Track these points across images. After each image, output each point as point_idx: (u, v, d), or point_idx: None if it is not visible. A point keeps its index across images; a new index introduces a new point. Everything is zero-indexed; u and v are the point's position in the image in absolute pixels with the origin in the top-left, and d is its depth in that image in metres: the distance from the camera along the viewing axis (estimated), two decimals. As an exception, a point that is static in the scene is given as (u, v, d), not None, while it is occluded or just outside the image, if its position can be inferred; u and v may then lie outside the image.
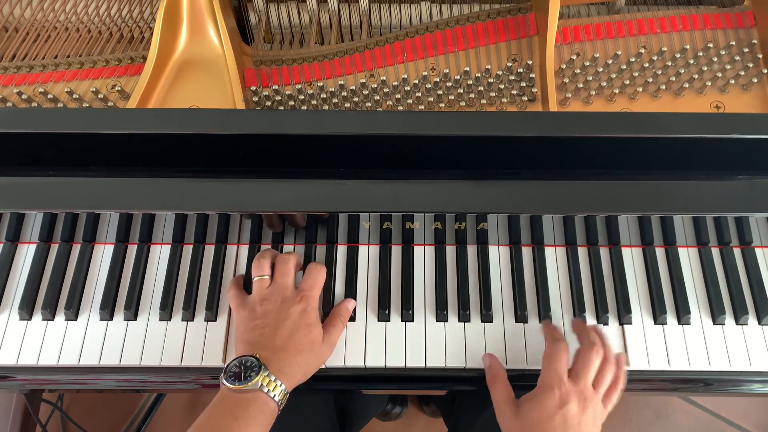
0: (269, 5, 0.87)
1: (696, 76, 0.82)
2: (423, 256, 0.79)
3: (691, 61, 0.83)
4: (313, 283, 0.71)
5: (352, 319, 0.75)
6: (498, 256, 0.79)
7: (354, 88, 0.82)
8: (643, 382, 0.75)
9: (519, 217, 0.79)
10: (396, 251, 0.80)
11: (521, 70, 0.82)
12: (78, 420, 1.42)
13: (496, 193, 0.69)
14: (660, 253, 0.79)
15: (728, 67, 0.83)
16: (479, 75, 0.82)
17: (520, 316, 0.75)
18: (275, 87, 0.82)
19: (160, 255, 0.79)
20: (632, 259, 0.79)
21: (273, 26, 0.88)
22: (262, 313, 0.68)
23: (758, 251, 0.79)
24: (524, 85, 0.81)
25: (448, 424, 1.10)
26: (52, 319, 0.76)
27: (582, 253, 0.79)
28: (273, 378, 0.63)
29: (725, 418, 1.50)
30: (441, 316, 0.75)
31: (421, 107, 0.81)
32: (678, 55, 0.84)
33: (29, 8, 0.89)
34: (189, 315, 0.75)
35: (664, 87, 0.81)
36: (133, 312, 0.75)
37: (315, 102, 0.81)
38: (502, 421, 0.66)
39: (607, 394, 0.67)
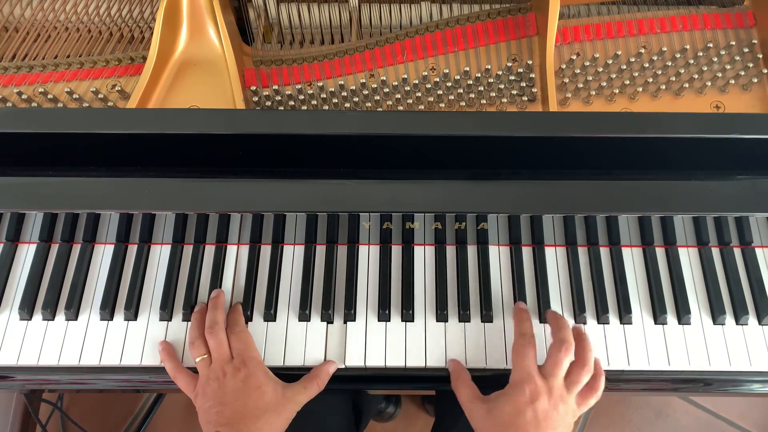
0: (269, 5, 0.87)
1: (696, 76, 0.82)
2: (423, 256, 0.79)
3: (691, 61, 0.83)
4: (244, 345, 0.71)
5: (353, 319, 0.75)
6: (498, 256, 0.79)
7: (354, 88, 0.82)
8: (643, 382, 0.75)
9: (519, 217, 0.79)
10: (396, 251, 0.79)
11: (521, 70, 0.82)
12: (78, 420, 1.42)
13: (496, 193, 0.69)
14: (660, 253, 0.79)
15: (728, 67, 0.83)
16: (479, 75, 0.82)
17: (520, 316, 0.75)
18: (275, 87, 0.82)
19: (160, 255, 0.79)
20: (632, 259, 0.79)
21: (273, 25, 0.88)
22: (212, 394, 0.68)
23: (758, 251, 0.79)
24: (524, 85, 0.81)
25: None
26: (53, 319, 0.76)
27: (582, 252, 0.79)
28: None
29: (725, 418, 1.50)
30: (441, 316, 0.75)
31: (421, 107, 0.81)
32: (678, 55, 0.84)
33: (29, 8, 0.89)
34: (189, 315, 0.75)
35: (664, 87, 0.81)
36: (133, 312, 0.75)
37: (315, 102, 0.81)
38: (473, 419, 0.67)
39: (582, 396, 0.68)
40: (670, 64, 0.83)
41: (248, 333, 0.73)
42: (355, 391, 0.98)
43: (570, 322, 0.75)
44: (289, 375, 0.72)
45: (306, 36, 0.89)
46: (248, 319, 0.76)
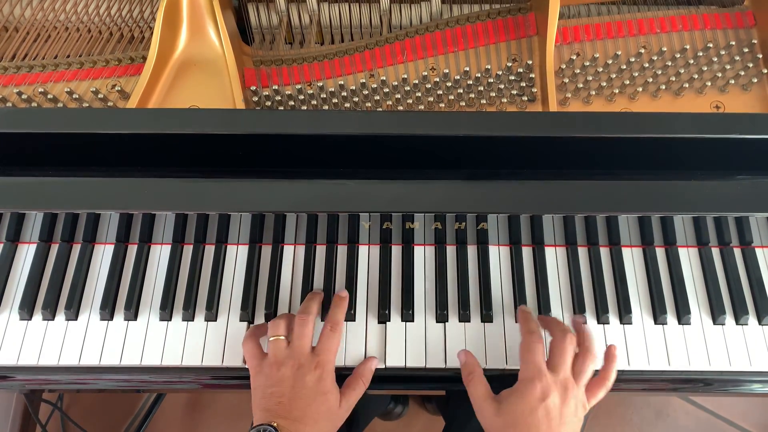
0: (270, 5, 0.87)
1: (696, 76, 0.82)
2: (423, 256, 0.79)
3: (691, 61, 0.83)
4: (329, 347, 0.70)
5: (353, 319, 0.75)
6: (498, 256, 0.79)
7: (354, 88, 0.82)
8: (643, 382, 0.75)
9: (519, 217, 0.79)
10: (396, 251, 0.80)
11: (521, 70, 0.82)
12: (78, 420, 1.42)
13: (496, 193, 0.69)
14: (660, 253, 0.79)
15: (728, 67, 0.83)
16: (479, 75, 0.82)
17: (520, 316, 0.75)
18: (275, 87, 0.82)
19: (160, 255, 0.79)
20: (632, 259, 0.79)
21: (273, 26, 0.88)
22: (279, 379, 0.66)
23: (758, 251, 0.79)
24: (524, 85, 0.81)
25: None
26: (53, 319, 0.76)
27: (582, 253, 0.79)
28: None
29: (725, 418, 1.50)
30: (441, 316, 0.75)
31: (421, 107, 0.81)
32: (678, 55, 0.84)
33: (29, 8, 0.89)
34: (189, 315, 0.75)
35: (664, 87, 0.81)
36: (133, 312, 0.75)
37: (315, 102, 0.81)
38: (483, 417, 0.66)
39: (591, 389, 0.67)
40: (670, 64, 0.83)
41: (340, 337, 0.72)
42: None
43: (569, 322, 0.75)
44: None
45: (306, 36, 0.89)
46: (249, 319, 0.76)
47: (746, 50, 0.84)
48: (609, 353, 0.71)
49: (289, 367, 0.67)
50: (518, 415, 0.62)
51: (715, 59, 0.83)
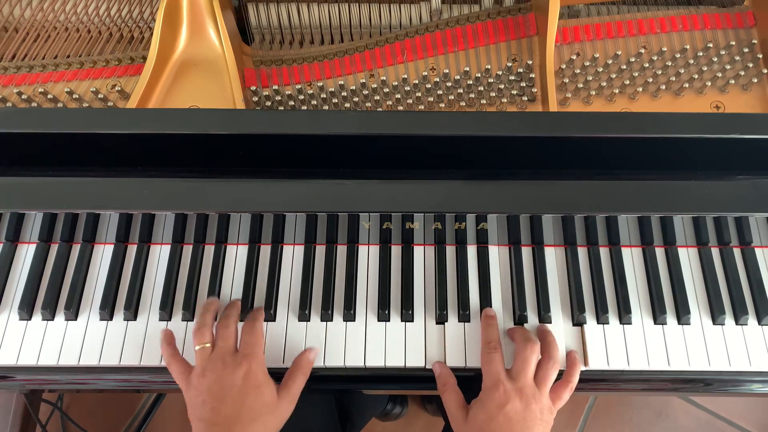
0: (269, 5, 0.87)
1: (696, 76, 0.82)
2: (423, 256, 0.79)
3: (691, 61, 0.83)
4: (253, 340, 0.69)
5: (353, 319, 0.75)
6: (498, 256, 0.79)
7: (354, 88, 0.82)
8: (643, 382, 0.75)
9: (519, 217, 0.79)
10: (396, 251, 0.79)
11: (521, 70, 0.82)
12: (78, 420, 1.42)
13: (496, 193, 0.69)
14: (660, 253, 0.79)
15: (728, 67, 0.83)
16: (479, 75, 0.82)
17: (520, 317, 0.75)
18: (275, 87, 0.82)
19: (159, 255, 0.79)
20: (632, 259, 0.79)
21: (273, 26, 0.88)
22: (207, 386, 0.65)
23: (758, 251, 0.79)
24: (524, 85, 0.81)
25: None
26: (52, 319, 0.76)
27: (582, 253, 0.79)
28: None
29: (725, 418, 1.50)
30: (441, 316, 0.75)
31: (421, 107, 0.81)
32: (678, 55, 0.84)
33: (29, 8, 0.89)
34: (189, 315, 0.75)
35: (664, 87, 0.81)
36: (132, 312, 0.75)
37: (315, 102, 0.81)
38: (455, 425, 0.68)
39: (555, 391, 0.69)
40: (670, 64, 0.83)
41: (261, 331, 0.71)
42: (340, 391, 0.97)
43: (569, 322, 0.76)
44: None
45: (306, 36, 0.89)
46: (248, 319, 0.76)
47: (746, 50, 0.84)
48: (571, 358, 0.72)
49: (214, 371, 0.66)
50: (480, 422, 0.65)
51: (715, 59, 0.83)
